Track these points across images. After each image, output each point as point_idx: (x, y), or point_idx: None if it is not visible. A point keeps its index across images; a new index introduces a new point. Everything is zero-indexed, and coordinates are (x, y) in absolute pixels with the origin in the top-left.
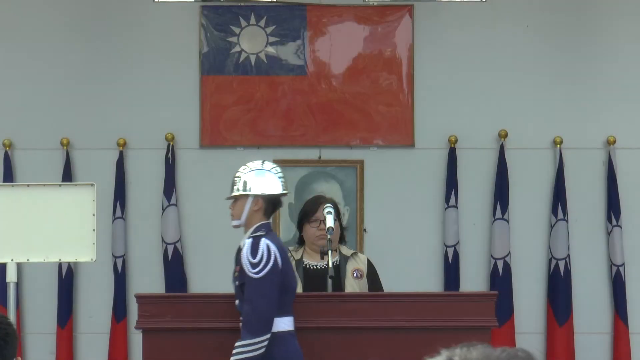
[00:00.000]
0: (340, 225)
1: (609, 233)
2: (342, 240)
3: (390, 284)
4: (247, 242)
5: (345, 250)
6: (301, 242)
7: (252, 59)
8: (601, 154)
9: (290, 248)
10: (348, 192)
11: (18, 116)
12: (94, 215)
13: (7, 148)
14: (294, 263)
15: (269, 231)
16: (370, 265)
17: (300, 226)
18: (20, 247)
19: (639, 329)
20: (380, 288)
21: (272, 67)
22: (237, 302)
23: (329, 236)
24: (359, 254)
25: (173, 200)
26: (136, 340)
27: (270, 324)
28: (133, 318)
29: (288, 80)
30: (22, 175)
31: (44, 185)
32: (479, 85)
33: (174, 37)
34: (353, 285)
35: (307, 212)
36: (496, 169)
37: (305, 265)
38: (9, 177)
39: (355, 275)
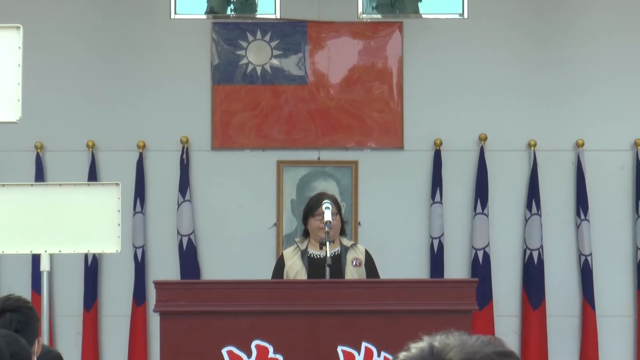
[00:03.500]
0: (341, 219)
1: (577, 226)
2: (342, 232)
3: (382, 272)
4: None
5: (346, 242)
6: (306, 234)
7: (258, 70)
8: (571, 155)
9: (297, 239)
10: (344, 189)
11: (48, 121)
12: (119, 211)
13: (39, 150)
14: (299, 253)
15: None
16: (368, 255)
17: (305, 220)
18: (53, 239)
19: (604, 313)
20: (377, 276)
21: (276, 77)
22: None
23: (327, 229)
24: (358, 245)
25: (187, 197)
26: (154, 322)
27: None
28: (151, 302)
29: (290, 89)
30: (52, 174)
31: (75, 184)
32: (462, 94)
33: (188, 50)
34: (353, 273)
35: (312, 207)
36: (477, 169)
37: (310, 255)
38: (40, 176)
39: (354, 264)
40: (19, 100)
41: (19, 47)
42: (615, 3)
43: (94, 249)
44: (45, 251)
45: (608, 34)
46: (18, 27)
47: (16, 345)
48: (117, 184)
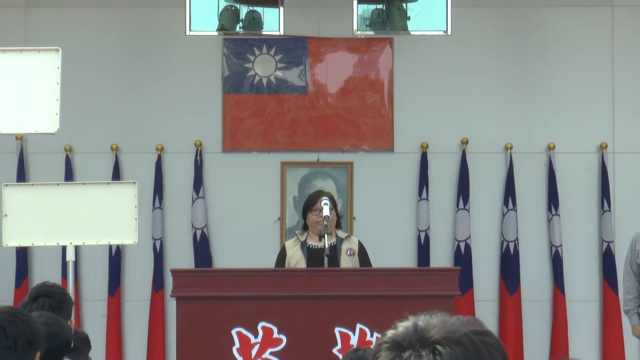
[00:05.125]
0: (337, 213)
1: (549, 220)
2: (338, 225)
3: (374, 261)
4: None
5: (341, 234)
6: (305, 227)
7: (264, 81)
8: (543, 157)
9: (297, 232)
10: (341, 187)
11: (77, 126)
12: (136, 207)
13: (68, 152)
14: (299, 244)
15: None
16: (361, 245)
17: (304, 214)
18: (77, 232)
19: (573, 297)
20: (369, 264)
21: (280, 88)
22: None
23: (324, 222)
24: (352, 237)
25: (201, 194)
26: (171, 306)
27: None
28: (169, 288)
29: (293, 98)
30: (80, 174)
31: (96, 183)
32: (446, 102)
33: (201, 63)
34: (347, 261)
35: (310, 203)
36: (459, 169)
37: (309, 245)
38: (69, 176)
39: (348, 253)
40: (57, 114)
41: (58, 68)
42: (581, 25)
43: (114, 241)
44: (71, 243)
45: (576, 52)
46: (57, 50)
47: (57, 327)
48: (134, 183)
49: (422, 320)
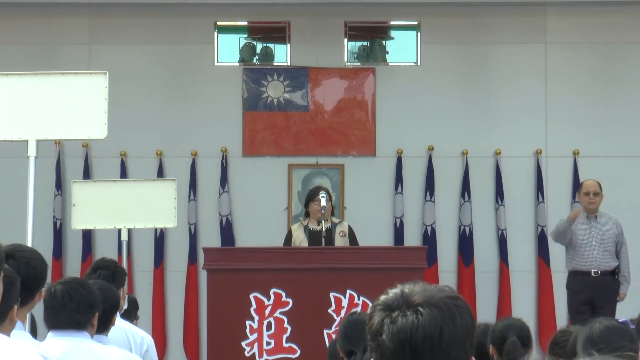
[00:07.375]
0: (332, 204)
1: (496, 209)
2: (333, 213)
3: (360, 241)
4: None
5: (335, 219)
6: (307, 214)
7: (275, 101)
8: (492, 160)
9: (300, 218)
10: (335, 184)
11: (129, 136)
12: (175, 198)
13: (123, 156)
14: (302, 228)
15: None
16: (350, 229)
17: (306, 205)
18: (130, 218)
19: (515, 269)
20: (357, 243)
21: (287, 106)
22: None
23: (322, 211)
24: (344, 222)
25: (226, 189)
26: (203, 276)
27: None
28: (201, 262)
29: (297, 114)
30: (132, 173)
31: (143, 180)
32: (416, 117)
33: (226, 87)
34: (340, 241)
35: (311, 195)
36: (426, 169)
37: (310, 229)
38: (123, 174)
39: (341, 235)
40: (105, 124)
41: (105, 87)
42: (521, 57)
43: (158, 225)
44: (125, 226)
45: (517, 78)
46: (105, 73)
47: (109, 292)
48: (174, 180)
49: (407, 287)
